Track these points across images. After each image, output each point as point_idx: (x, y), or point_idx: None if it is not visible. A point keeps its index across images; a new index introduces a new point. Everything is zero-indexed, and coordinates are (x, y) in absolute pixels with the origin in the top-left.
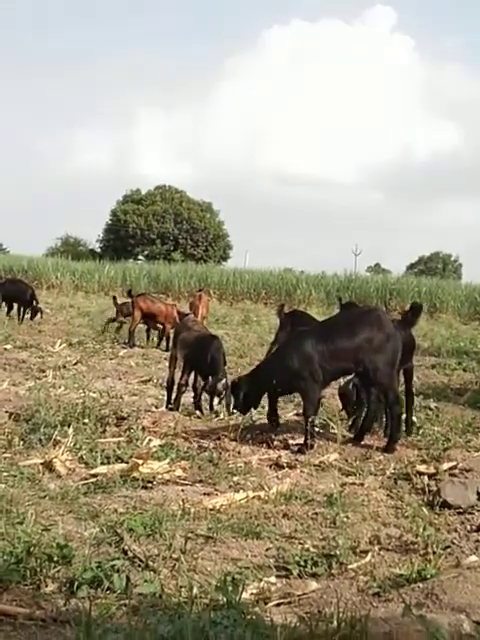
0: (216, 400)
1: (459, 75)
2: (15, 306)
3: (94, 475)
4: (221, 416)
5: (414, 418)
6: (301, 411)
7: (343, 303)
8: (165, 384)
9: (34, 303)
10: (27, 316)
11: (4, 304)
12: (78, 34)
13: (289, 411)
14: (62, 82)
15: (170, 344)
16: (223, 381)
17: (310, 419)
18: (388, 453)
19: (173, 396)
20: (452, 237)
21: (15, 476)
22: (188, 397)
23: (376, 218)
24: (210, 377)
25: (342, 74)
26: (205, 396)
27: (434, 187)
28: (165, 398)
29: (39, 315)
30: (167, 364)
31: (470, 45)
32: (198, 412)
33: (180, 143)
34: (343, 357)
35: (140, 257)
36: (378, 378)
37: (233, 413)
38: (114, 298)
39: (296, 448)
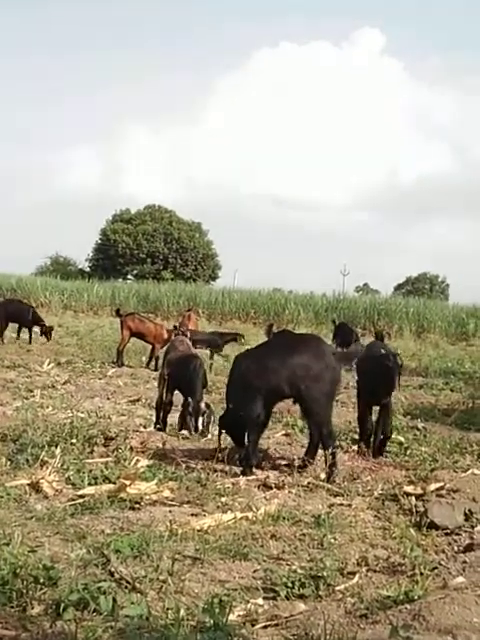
0: (200, 420)
1: (447, 97)
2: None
3: (81, 496)
4: (208, 436)
5: (402, 438)
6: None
7: (337, 324)
8: (154, 404)
9: (39, 322)
10: (25, 336)
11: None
12: (67, 52)
13: (278, 431)
14: (51, 101)
15: (159, 363)
16: (203, 402)
17: (251, 439)
18: (330, 484)
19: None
20: (439, 258)
21: (1, 497)
22: (176, 417)
23: (364, 239)
24: (189, 398)
25: (331, 96)
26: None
27: (422, 208)
28: (153, 418)
29: (49, 335)
30: (156, 384)
31: (457, 67)
32: (185, 432)
33: (170, 163)
34: (275, 379)
35: (129, 276)
36: (313, 409)
37: (210, 434)
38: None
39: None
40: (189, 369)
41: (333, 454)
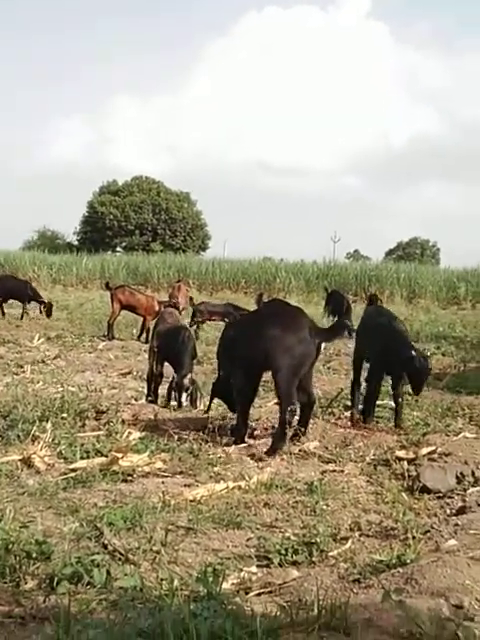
0: (184, 396)
1: (435, 60)
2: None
3: (73, 470)
4: (201, 407)
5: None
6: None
7: (329, 292)
8: (145, 376)
9: (37, 299)
10: (28, 314)
11: None
12: (51, 25)
13: (270, 399)
14: (34, 74)
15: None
16: (189, 376)
17: (239, 409)
18: (268, 456)
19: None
20: (430, 222)
21: None
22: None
23: (354, 205)
24: (178, 370)
25: (318, 61)
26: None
27: (412, 173)
28: (145, 390)
29: (49, 311)
30: (147, 356)
31: (444, 30)
32: (173, 403)
33: (156, 133)
34: (251, 349)
35: (118, 249)
36: (277, 380)
37: (200, 406)
38: (190, 299)
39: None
40: (177, 341)
41: (283, 426)
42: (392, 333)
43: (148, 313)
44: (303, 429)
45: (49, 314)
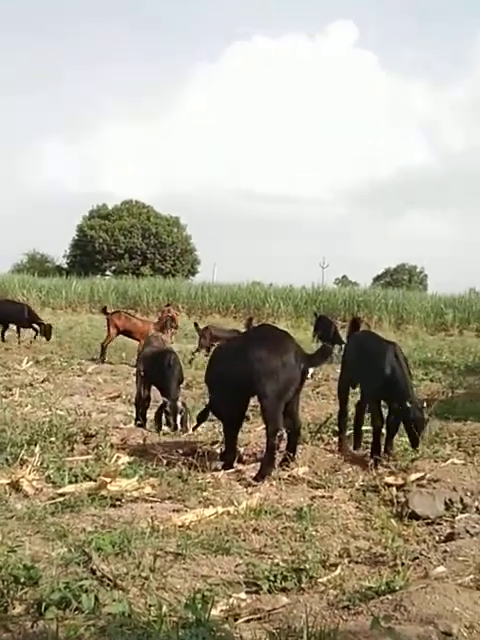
0: (179, 418)
1: (424, 89)
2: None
3: (62, 494)
4: (189, 432)
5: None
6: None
7: (317, 317)
8: (134, 400)
9: (36, 321)
10: (22, 337)
11: None
12: (39, 48)
13: (259, 424)
14: (25, 97)
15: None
16: (180, 399)
17: (226, 433)
18: (257, 481)
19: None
20: (417, 249)
21: None
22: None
23: (343, 231)
24: (165, 397)
25: (306, 89)
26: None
27: (400, 200)
28: (134, 414)
29: (49, 334)
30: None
31: (432, 59)
32: (166, 428)
33: (146, 158)
34: (237, 373)
35: (108, 272)
36: (263, 405)
37: (190, 430)
38: (195, 325)
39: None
40: (163, 365)
41: (271, 452)
42: (394, 374)
43: (144, 337)
44: (292, 454)
45: (48, 336)
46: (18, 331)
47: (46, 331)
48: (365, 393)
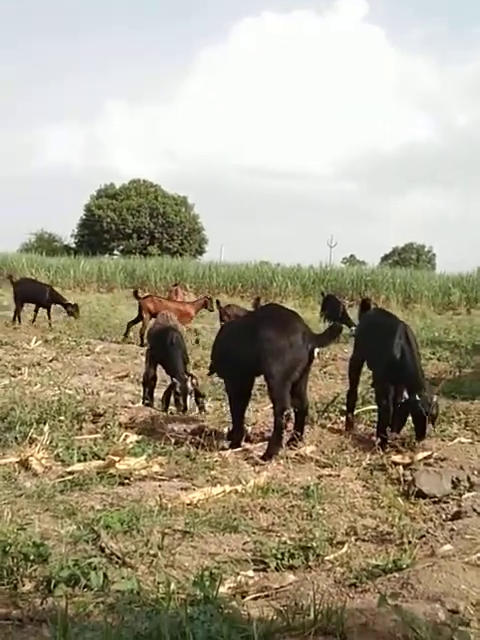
0: (189, 399)
1: (431, 65)
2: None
3: (70, 473)
4: (196, 411)
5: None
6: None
7: (325, 296)
8: (141, 380)
9: (60, 301)
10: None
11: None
12: (47, 30)
13: (267, 403)
14: (32, 78)
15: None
16: (190, 379)
17: (233, 412)
18: (264, 460)
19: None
20: (426, 228)
21: None
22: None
23: (350, 210)
24: (171, 373)
25: (314, 65)
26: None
27: (408, 178)
28: (141, 394)
29: (76, 312)
30: (143, 359)
31: (440, 35)
32: (172, 407)
33: (153, 137)
34: (242, 351)
35: (116, 252)
36: (270, 384)
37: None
38: (217, 302)
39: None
40: (166, 342)
41: (278, 431)
42: (403, 355)
43: (182, 319)
44: (299, 434)
45: (76, 315)
46: (36, 310)
47: (73, 311)
48: (373, 372)
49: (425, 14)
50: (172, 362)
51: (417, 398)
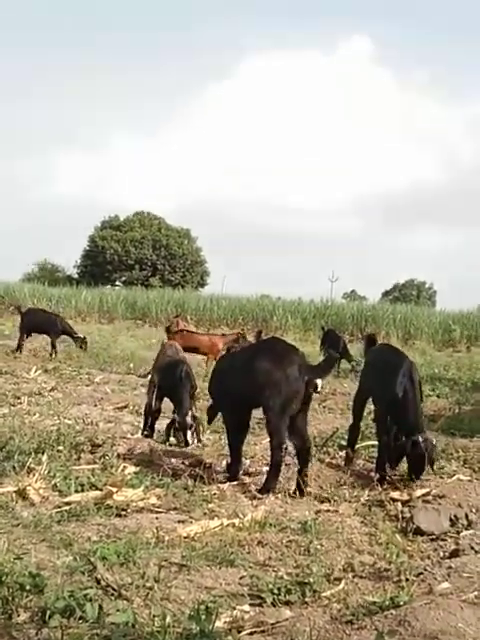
0: (188, 434)
1: (436, 104)
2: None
3: (68, 503)
4: (195, 443)
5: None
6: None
7: (325, 331)
8: (142, 410)
9: (70, 333)
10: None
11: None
12: (55, 57)
13: (265, 437)
14: (39, 107)
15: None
16: (190, 414)
17: (231, 445)
18: (261, 494)
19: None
20: (427, 265)
21: None
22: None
23: (352, 246)
24: (177, 407)
25: (320, 104)
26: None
27: (410, 215)
28: (141, 425)
29: (85, 345)
30: (143, 391)
31: (445, 74)
32: (173, 439)
33: (159, 170)
34: (238, 384)
35: (118, 283)
36: (267, 417)
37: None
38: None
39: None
40: (175, 376)
41: (276, 465)
42: (406, 399)
43: (212, 352)
44: (305, 470)
45: (85, 348)
46: (53, 344)
47: (82, 344)
48: (376, 408)
49: (429, 54)
50: (178, 396)
51: (419, 439)
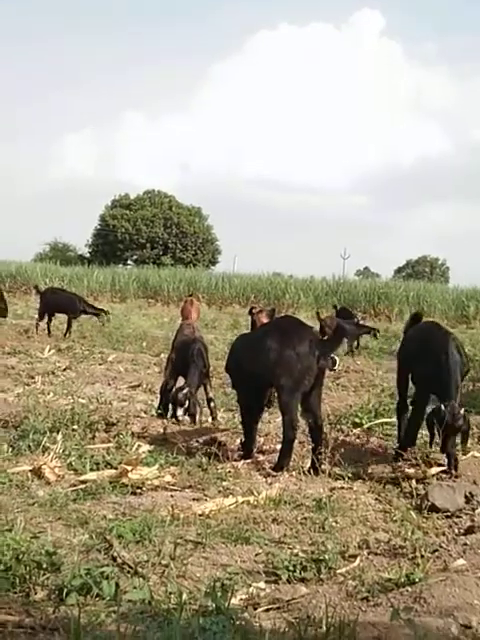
0: (179, 411)
1: (445, 79)
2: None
3: (83, 481)
4: (210, 420)
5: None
6: None
7: (337, 309)
8: (154, 389)
9: (93, 311)
10: (73, 326)
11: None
12: (64, 39)
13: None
14: (49, 87)
15: None
16: (185, 390)
17: (245, 423)
18: (275, 472)
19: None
20: (440, 241)
21: (4, 483)
22: None
23: (364, 222)
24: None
25: (330, 79)
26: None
27: (422, 191)
28: (155, 403)
29: (105, 317)
30: (156, 369)
31: (455, 49)
32: (186, 418)
33: (169, 148)
34: (253, 363)
35: (129, 262)
36: (279, 395)
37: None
38: (317, 313)
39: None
40: (188, 354)
41: (288, 443)
42: (447, 375)
43: None
44: (318, 448)
45: (106, 320)
46: (68, 323)
47: (107, 315)
48: (416, 387)
49: (440, 27)
50: (190, 374)
51: (442, 406)
